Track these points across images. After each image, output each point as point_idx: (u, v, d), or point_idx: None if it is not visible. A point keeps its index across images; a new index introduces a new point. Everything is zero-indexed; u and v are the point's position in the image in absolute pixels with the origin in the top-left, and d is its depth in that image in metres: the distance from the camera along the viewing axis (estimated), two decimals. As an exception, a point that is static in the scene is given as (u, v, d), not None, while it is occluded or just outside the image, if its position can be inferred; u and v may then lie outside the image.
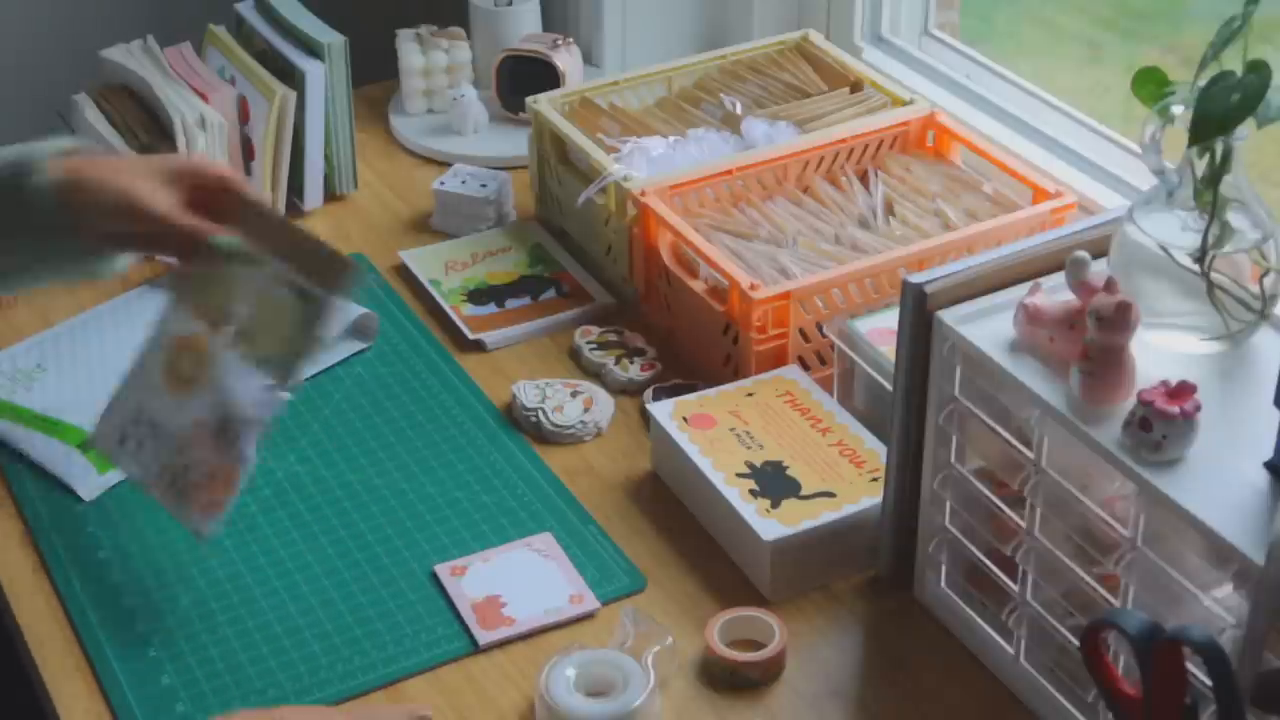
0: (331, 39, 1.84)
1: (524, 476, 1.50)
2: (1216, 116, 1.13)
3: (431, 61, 2.03)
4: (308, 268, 1.33)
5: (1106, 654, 1.07)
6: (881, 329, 1.45)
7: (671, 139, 1.77)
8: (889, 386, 1.32)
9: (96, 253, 1.38)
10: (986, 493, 1.25)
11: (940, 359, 1.24)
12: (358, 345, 1.66)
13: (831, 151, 1.74)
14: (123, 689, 1.30)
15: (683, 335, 1.65)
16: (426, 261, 1.79)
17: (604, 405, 1.57)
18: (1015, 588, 1.24)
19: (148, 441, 1.35)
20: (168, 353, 1.35)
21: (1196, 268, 1.18)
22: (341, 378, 1.63)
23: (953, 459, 1.27)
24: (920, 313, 1.24)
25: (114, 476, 1.50)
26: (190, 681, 1.31)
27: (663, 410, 1.48)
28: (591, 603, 1.36)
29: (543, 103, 1.82)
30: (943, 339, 1.23)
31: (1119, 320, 1.12)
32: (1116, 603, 1.14)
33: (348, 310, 1.59)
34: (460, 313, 1.71)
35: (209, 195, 1.36)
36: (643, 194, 1.65)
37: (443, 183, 1.86)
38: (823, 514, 1.36)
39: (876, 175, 1.74)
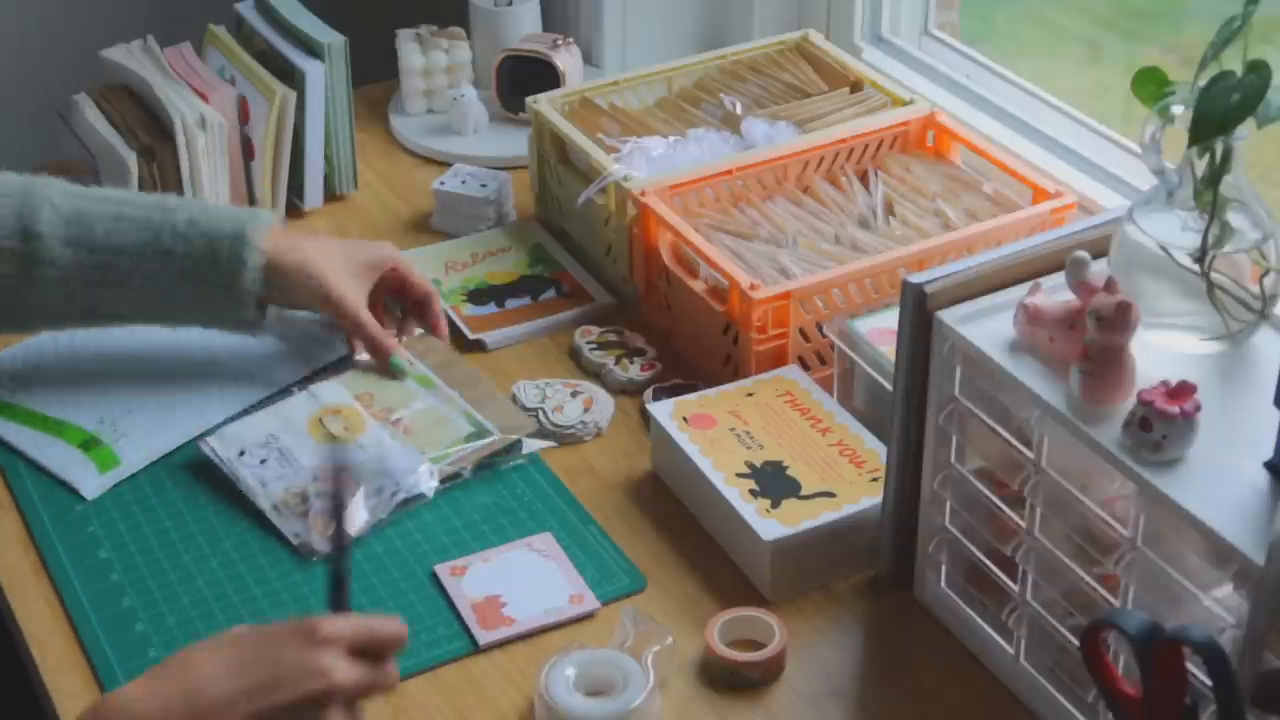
0: (331, 39, 1.84)
1: (524, 476, 1.50)
2: (1216, 116, 1.13)
3: (431, 61, 2.03)
4: (484, 408, 1.51)
5: (1106, 654, 1.07)
6: (881, 329, 1.45)
7: (671, 139, 1.77)
8: (889, 386, 1.32)
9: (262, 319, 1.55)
10: (986, 493, 1.25)
11: (940, 359, 1.24)
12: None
13: (831, 151, 1.74)
14: (123, 689, 1.30)
15: (683, 335, 1.65)
16: (426, 261, 1.79)
17: (604, 405, 1.57)
18: (1015, 588, 1.24)
19: (273, 463, 1.46)
20: (319, 410, 1.50)
21: (1196, 268, 1.18)
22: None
23: (953, 459, 1.27)
24: (920, 313, 1.24)
25: (114, 476, 1.50)
26: (190, 681, 1.31)
27: (663, 410, 1.48)
28: (591, 603, 1.36)
29: (543, 103, 1.82)
30: (943, 339, 1.23)
31: (1119, 320, 1.12)
32: (1116, 603, 1.14)
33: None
34: (460, 313, 1.71)
35: (401, 289, 1.58)
36: (643, 194, 1.65)
37: (443, 183, 1.86)
38: (823, 514, 1.36)
39: (876, 175, 1.74)
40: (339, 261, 1.55)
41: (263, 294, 1.52)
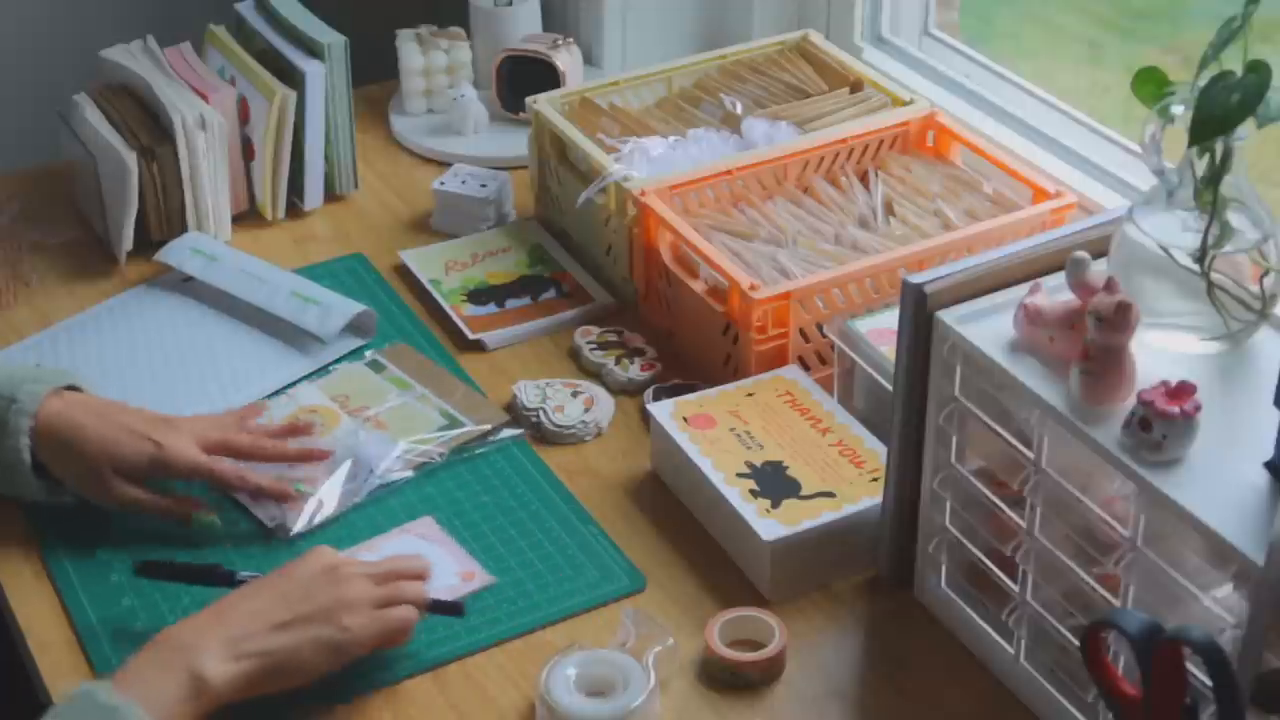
0: (331, 39, 1.84)
1: (524, 476, 1.50)
2: (1216, 116, 1.13)
3: (431, 61, 2.03)
4: (457, 402, 1.56)
5: (1106, 654, 1.08)
6: (881, 329, 1.45)
7: (671, 139, 1.77)
8: (889, 386, 1.32)
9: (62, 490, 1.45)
10: (986, 493, 1.25)
11: (940, 359, 1.24)
12: (355, 341, 1.66)
13: (831, 151, 1.74)
14: (123, 689, 1.30)
15: (683, 335, 1.65)
16: (426, 261, 1.79)
17: (604, 405, 1.57)
18: (1015, 588, 1.24)
19: None
20: (296, 410, 1.52)
21: (1196, 268, 1.18)
22: (341, 378, 1.63)
23: (953, 459, 1.27)
24: (920, 313, 1.24)
25: (114, 476, 1.50)
26: (190, 681, 1.31)
27: (663, 410, 1.48)
28: (484, 577, 1.38)
29: (543, 103, 1.82)
30: (943, 339, 1.23)
31: (1119, 320, 1.12)
32: (1116, 603, 1.14)
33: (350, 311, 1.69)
34: (460, 313, 1.71)
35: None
36: (643, 194, 1.65)
37: (443, 183, 1.86)
38: (823, 514, 1.36)
39: (876, 175, 1.74)
40: (118, 424, 1.42)
41: (36, 465, 1.42)
